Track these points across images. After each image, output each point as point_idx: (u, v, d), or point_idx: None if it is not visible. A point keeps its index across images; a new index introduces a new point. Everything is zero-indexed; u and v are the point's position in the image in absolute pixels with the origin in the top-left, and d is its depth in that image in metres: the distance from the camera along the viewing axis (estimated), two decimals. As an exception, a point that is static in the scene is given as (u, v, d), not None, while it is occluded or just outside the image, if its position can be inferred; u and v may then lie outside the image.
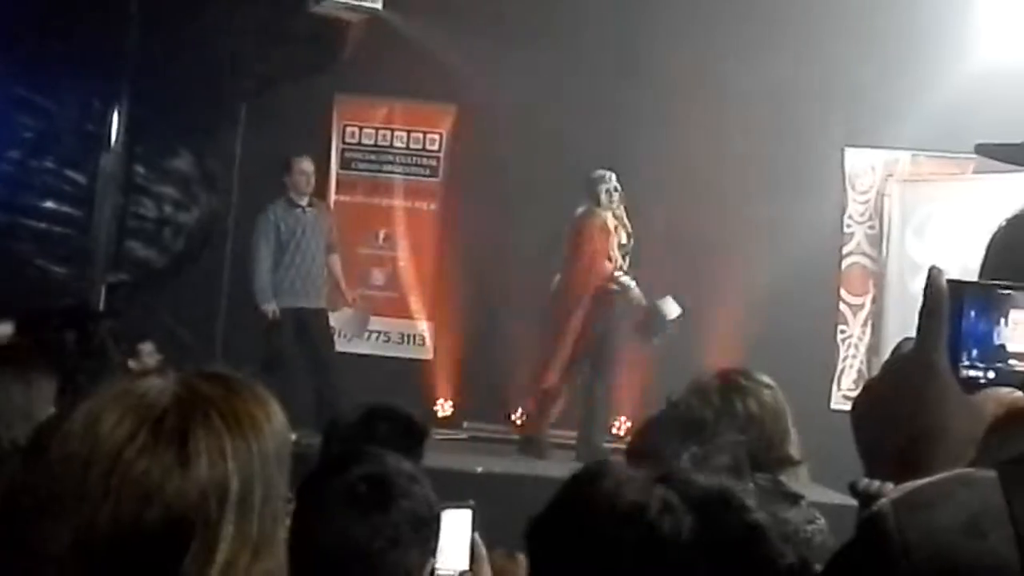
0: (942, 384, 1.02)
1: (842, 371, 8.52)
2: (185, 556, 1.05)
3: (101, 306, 8.00)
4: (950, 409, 1.02)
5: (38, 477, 1.08)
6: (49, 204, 8.42)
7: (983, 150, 1.06)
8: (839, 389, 8.42)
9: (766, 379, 2.83)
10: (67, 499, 1.05)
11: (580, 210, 7.71)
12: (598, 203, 7.65)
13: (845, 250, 8.71)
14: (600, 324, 7.65)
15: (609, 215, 7.68)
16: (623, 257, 7.73)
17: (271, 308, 7.74)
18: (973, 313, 1.05)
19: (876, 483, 0.97)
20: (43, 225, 8.39)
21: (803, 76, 8.43)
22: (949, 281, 1.05)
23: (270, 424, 1.15)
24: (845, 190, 8.74)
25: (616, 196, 7.68)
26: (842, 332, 8.64)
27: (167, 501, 1.05)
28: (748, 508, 1.04)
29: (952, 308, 1.04)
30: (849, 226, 8.73)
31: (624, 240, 7.74)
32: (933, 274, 1.05)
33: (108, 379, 1.16)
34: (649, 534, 1.02)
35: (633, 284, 7.63)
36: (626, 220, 7.76)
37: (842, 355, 8.60)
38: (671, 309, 7.68)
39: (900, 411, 1.03)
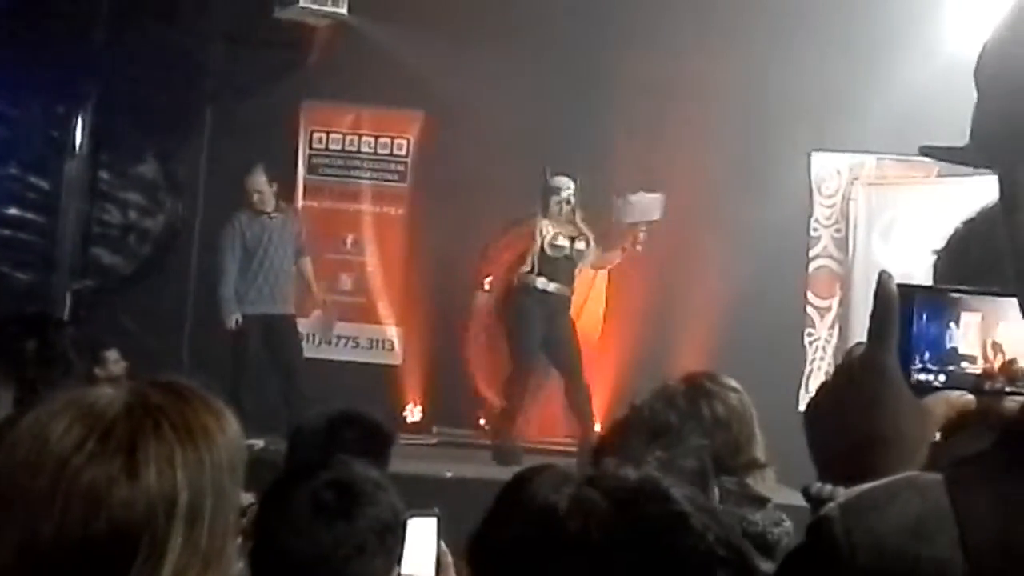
0: (893, 388, 1.03)
1: (810, 373, 8.56)
2: (131, 568, 1.03)
3: (66, 313, 7.95)
4: (902, 412, 1.02)
5: None
6: (13, 211, 8.37)
7: (927, 151, 1.06)
8: (807, 391, 8.44)
9: (732, 383, 2.84)
10: (13, 507, 1.03)
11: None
12: (545, 211, 7.74)
13: (812, 253, 8.75)
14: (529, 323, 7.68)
15: (547, 223, 7.73)
16: (573, 263, 7.77)
17: (234, 318, 7.72)
18: (924, 316, 1.05)
19: (828, 487, 0.97)
20: (7, 232, 8.34)
21: (770, 80, 8.47)
22: (899, 285, 1.06)
23: (223, 434, 1.13)
24: (812, 194, 8.78)
25: (566, 207, 7.75)
26: (809, 335, 8.68)
27: (113, 511, 1.04)
28: (670, 498, 1.03)
29: (903, 312, 1.05)
30: (816, 230, 8.78)
31: (579, 246, 7.79)
32: (883, 279, 1.05)
33: (70, 388, 1.15)
34: (558, 534, 1.01)
35: (551, 286, 7.70)
36: (584, 228, 7.80)
37: (810, 357, 8.63)
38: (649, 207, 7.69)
39: (851, 415, 1.04)
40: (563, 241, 7.82)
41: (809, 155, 8.74)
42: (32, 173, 8.42)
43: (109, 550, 1.03)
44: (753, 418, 2.82)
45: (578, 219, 7.86)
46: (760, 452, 2.82)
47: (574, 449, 7.46)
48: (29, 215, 8.44)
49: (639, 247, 7.79)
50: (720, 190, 8.40)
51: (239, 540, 1.24)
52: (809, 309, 8.70)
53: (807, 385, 8.49)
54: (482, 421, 8.56)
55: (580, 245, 7.86)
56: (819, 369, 8.56)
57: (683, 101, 8.36)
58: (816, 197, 8.80)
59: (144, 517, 1.05)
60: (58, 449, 1.05)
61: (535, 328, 7.76)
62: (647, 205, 7.76)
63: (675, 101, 8.33)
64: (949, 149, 0.96)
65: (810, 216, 8.77)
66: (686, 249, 8.37)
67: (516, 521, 1.04)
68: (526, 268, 7.79)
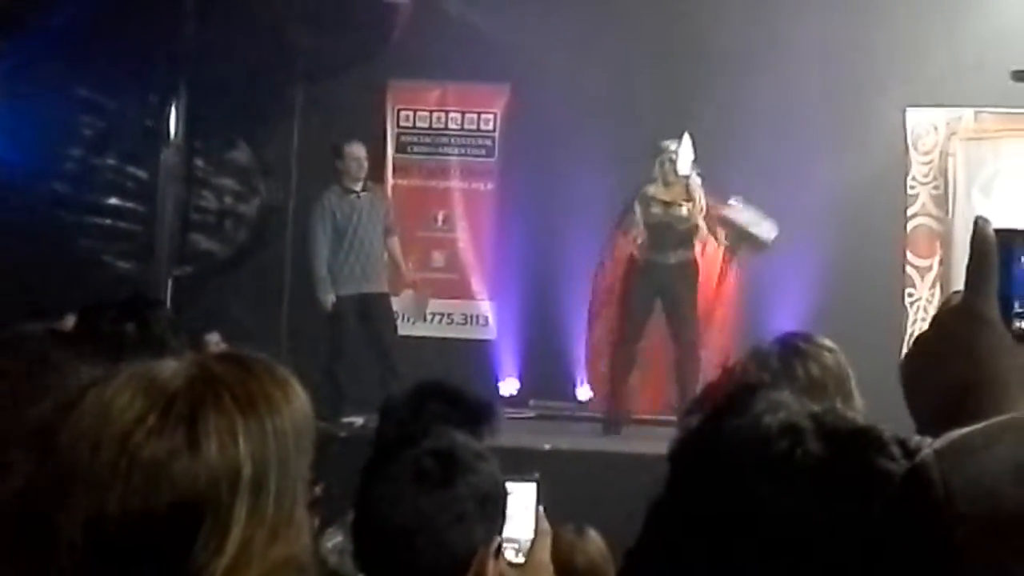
0: (993, 336, 0.99)
1: (911, 334, 8.40)
2: (196, 541, 1.04)
3: (168, 300, 8.10)
4: (1002, 361, 0.99)
5: (50, 460, 1.07)
6: (113, 200, 8.55)
7: (1020, 76, 1.02)
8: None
9: (828, 343, 2.78)
10: (77, 483, 1.04)
11: None
12: (652, 178, 7.65)
13: (910, 212, 8.57)
14: (639, 297, 7.60)
15: (657, 187, 7.63)
16: (681, 229, 7.67)
17: (330, 298, 7.80)
18: None
19: (927, 440, 0.94)
20: (108, 221, 8.52)
21: (861, 36, 8.29)
22: (997, 230, 1.02)
23: (288, 404, 1.12)
24: (908, 151, 8.59)
25: (669, 167, 7.63)
26: (910, 295, 8.51)
27: (176, 485, 1.04)
28: (884, 448, 0.99)
29: (1002, 257, 1.01)
30: (913, 187, 8.59)
31: (680, 213, 7.66)
32: (980, 224, 1.02)
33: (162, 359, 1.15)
34: (764, 453, 0.99)
35: (659, 255, 7.60)
36: (689, 188, 7.68)
37: (911, 318, 8.47)
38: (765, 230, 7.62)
39: (950, 365, 1.01)
40: (667, 208, 7.69)
41: (904, 111, 8.55)
42: (130, 163, 8.60)
43: (173, 524, 1.03)
44: (849, 379, 2.76)
45: (683, 183, 7.69)
46: (857, 413, 2.76)
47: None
48: (129, 204, 8.62)
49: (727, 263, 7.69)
50: (814, 151, 8.25)
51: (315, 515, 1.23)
52: (908, 269, 8.53)
53: (908, 346, 8.33)
54: (581, 390, 8.53)
55: (683, 211, 7.69)
56: (920, 330, 8.39)
57: (773, 63, 8.21)
58: (912, 154, 8.61)
59: (207, 490, 1.04)
60: (120, 423, 1.05)
61: (640, 298, 7.69)
62: (758, 223, 7.64)
63: (765, 63, 8.18)
64: None
65: (907, 174, 8.59)
66: (781, 212, 8.24)
67: (725, 433, 1.02)
68: (632, 236, 7.70)
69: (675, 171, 7.65)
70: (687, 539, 1.00)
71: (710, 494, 0.99)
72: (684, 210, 7.68)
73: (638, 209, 7.67)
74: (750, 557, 0.96)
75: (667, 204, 7.66)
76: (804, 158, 8.26)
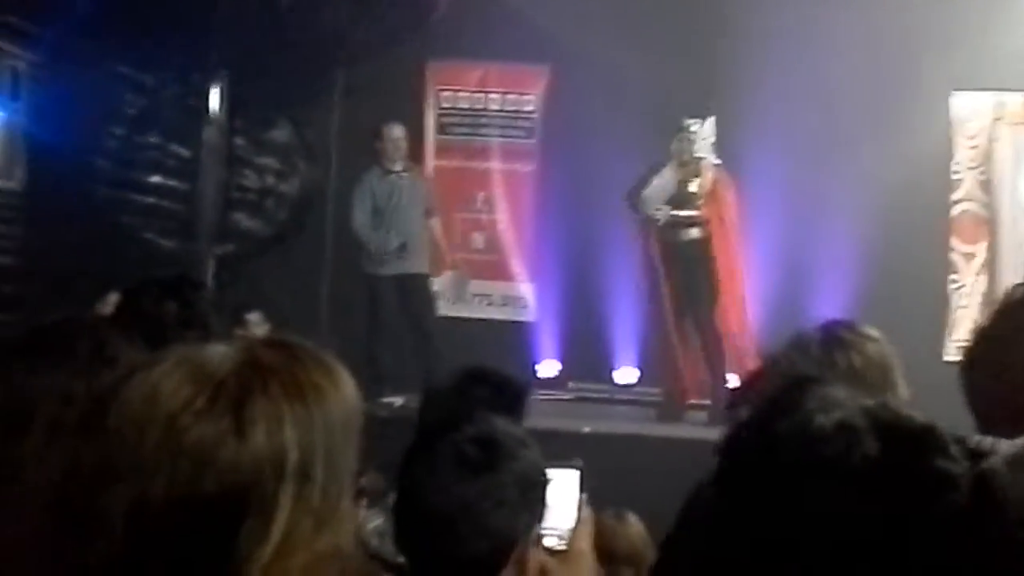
0: None
1: (955, 322, 8.31)
2: (241, 527, 1.03)
3: (209, 278, 8.15)
4: None
5: (95, 444, 1.06)
6: (155, 178, 8.59)
7: None
8: (952, 340, 8.22)
9: (871, 331, 2.73)
10: (123, 467, 1.03)
11: None
12: (673, 155, 7.62)
13: (954, 197, 8.47)
14: (673, 277, 7.61)
15: (674, 168, 7.61)
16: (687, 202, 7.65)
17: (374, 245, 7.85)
18: None
19: (989, 440, 0.91)
20: (150, 199, 8.56)
21: (904, 19, 8.18)
22: None
23: (336, 392, 1.11)
24: (952, 136, 8.49)
25: (686, 146, 7.59)
26: (953, 282, 8.42)
27: (221, 471, 1.03)
28: (946, 452, 0.96)
29: None
30: (957, 172, 8.49)
31: (690, 188, 7.64)
32: None
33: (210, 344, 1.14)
34: (817, 454, 0.97)
35: (680, 233, 7.57)
36: (701, 168, 7.65)
37: (954, 305, 8.38)
38: None
39: (1018, 360, 0.98)
40: (685, 186, 7.68)
41: (949, 96, 8.43)
42: (172, 141, 8.63)
43: (218, 509, 1.03)
44: (893, 368, 2.72)
45: (700, 162, 7.68)
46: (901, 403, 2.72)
47: None
48: (171, 182, 8.66)
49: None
50: (857, 135, 8.17)
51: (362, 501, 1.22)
52: (953, 255, 8.43)
53: (952, 333, 8.25)
54: (620, 373, 8.50)
55: (693, 187, 7.69)
56: (965, 317, 8.30)
57: (815, 46, 8.12)
58: (957, 139, 8.50)
59: (252, 476, 1.03)
60: (166, 408, 1.05)
61: (668, 277, 7.65)
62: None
63: (807, 46, 8.10)
64: None
65: (951, 159, 8.48)
66: (823, 196, 8.17)
67: (778, 431, 1.00)
68: (657, 216, 7.69)
69: (691, 151, 7.62)
70: (736, 539, 0.99)
71: (762, 494, 0.97)
72: (693, 187, 7.65)
73: (656, 184, 7.65)
74: (804, 559, 0.94)
75: (680, 183, 7.64)
76: (847, 143, 8.18)
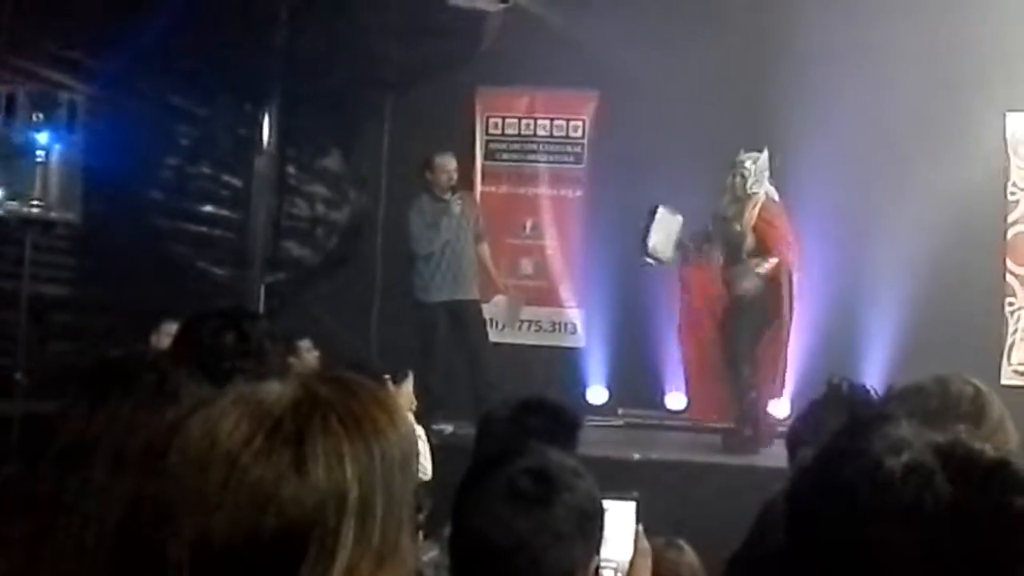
0: None
1: (1012, 345, 8.18)
2: (303, 564, 1.02)
3: (260, 306, 8.21)
4: None
5: (156, 483, 1.06)
6: (207, 208, 8.69)
7: None
8: (1009, 364, 8.09)
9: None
10: (184, 505, 1.03)
11: None
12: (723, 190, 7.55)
13: (1010, 218, 8.35)
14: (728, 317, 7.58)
15: (726, 201, 7.53)
16: (735, 246, 7.54)
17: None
18: None
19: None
20: (202, 228, 8.66)
21: (960, 38, 8.10)
22: None
23: (394, 428, 1.10)
24: (1008, 156, 8.38)
25: (740, 182, 7.47)
26: (1010, 304, 8.29)
27: (283, 507, 1.02)
28: (1021, 490, 0.92)
29: None
30: (1014, 193, 8.37)
31: (735, 229, 7.51)
32: None
33: (267, 381, 1.14)
34: (887, 499, 0.94)
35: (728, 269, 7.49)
36: (748, 207, 7.51)
37: (1011, 328, 8.25)
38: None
39: None
40: (727, 224, 7.57)
41: (1004, 115, 8.34)
42: (224, 171, 8.73)
43: (280, 547, 1.02)
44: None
45: (753, 197, 7.53)
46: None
47: None
48: (223, 212, 8.75)
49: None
50: (912, 155, 8.09)
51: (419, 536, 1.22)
52: (1009, 277, 8.31)
53: (1009, 357, 8.12)
54: (670, 399, 8.45)
55: (736, 228, 7.54)
56: (1022, 340, 8.17)
57: (869, 67, 8.07)
58: (1013, 159, 8.40)
59: (314, 513, 1.03)
60: (226, 446, 1.05)
61: (722, 316, 7.63)
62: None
63: (861, 67, 8.04)
64: None
65: (1007, 180, 8.37)
66: (877, 218, 8.09)
67: (846, 473, 0.98)
68: (709, 247, 7.65)
69: (745, 187, 7.51)
70: None
71: (834, 545, 0.95)
72: (737, 227, 7.54)
73: (711, 225, 7.60)
74: None
75: (727, 220, 7.56)
76: (901, 164, 8.10)
